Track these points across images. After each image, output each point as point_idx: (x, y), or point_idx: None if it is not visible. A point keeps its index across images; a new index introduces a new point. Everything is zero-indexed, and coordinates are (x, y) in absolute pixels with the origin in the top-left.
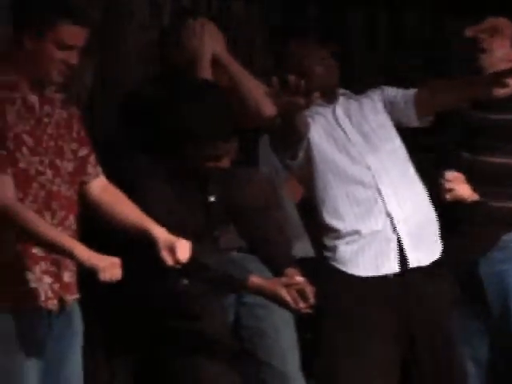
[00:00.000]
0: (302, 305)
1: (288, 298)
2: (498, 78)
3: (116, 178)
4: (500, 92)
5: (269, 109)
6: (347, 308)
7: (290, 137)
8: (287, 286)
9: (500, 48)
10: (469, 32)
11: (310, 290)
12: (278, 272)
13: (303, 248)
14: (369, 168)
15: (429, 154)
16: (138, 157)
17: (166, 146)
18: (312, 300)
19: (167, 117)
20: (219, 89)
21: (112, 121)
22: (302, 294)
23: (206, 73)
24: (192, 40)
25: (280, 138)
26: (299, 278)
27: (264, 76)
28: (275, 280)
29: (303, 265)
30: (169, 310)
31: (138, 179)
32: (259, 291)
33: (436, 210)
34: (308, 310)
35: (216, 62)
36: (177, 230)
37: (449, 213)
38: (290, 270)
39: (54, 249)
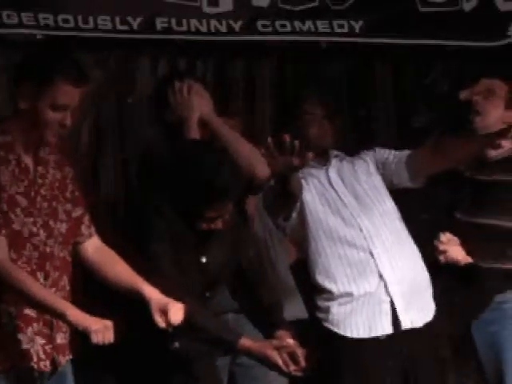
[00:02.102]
0: (292, 367)
1: (279, 361)
2: (492, 139)
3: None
4: (493, 154)
5: (262, 170)
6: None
7: (283, 198)
8: (278, 348)
9: (494, 110)
10: (463, 95)
11: (301, 353)
12: (269, 334)
13: (296, 309)
14: (361, 230)
15: (423, 216)
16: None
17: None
18: (303, 363)
19: (169, 177)
20: (215, 149)
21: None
22: (292, 357)
23: (194, 134)
24: (179, 102)
25: (273, 198)
26: (290, 341)
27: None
28: (266, 342)
29: (296, 327)
30: (162, 372)
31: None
32: (250, 353)
33: (430, 272)
34: (299, 373)
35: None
36: (170, 288)
37: (443, 275)
38: (281, 332)
39: (46, 310)
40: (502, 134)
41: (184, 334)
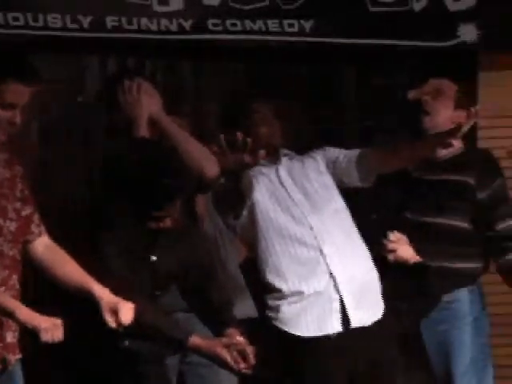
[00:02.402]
0: (242, 365)
1: (228, 359)
2: (441, 138)
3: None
4: (442, 153)
5: (211, 169)
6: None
7: (234, 196)
8: (228, 346)
9: (443, 110)
10: (412, 95)
11: (250, 351)
12: (218, 332)
13: (246, 308)
14: (311, 228)
15: (372, 215)
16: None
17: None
18: (252, 361)
19: (117, 176)
20: (161, 148)
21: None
22: (242, 355)
23: (143, 133)
24: (128, 101)
25: (224, 197)
26: (240, 339)
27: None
28: (216, 340)
29: (246, 325)
30: (112, 371)
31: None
32: (200, 351)
33: (379, 271)
34: (248, 371)
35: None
36: (120, 288)
37: (391, 274)
38: (231, 331)
39: None
40: (451, 133)
41: (134, 333)
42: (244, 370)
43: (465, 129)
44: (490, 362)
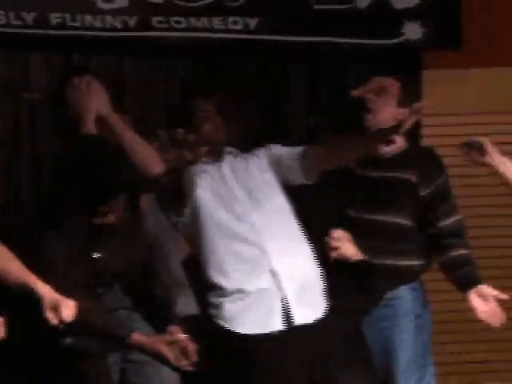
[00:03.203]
0: (184, 362)
1: (170, 355)
2: (383, 135)
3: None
4: (385, 150)
5: (156, 166)
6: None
7: (176, 194)
8: (170, 343)
9: (386, 107)
10: (355, 92)
11: (192, 348)
12: (161, 329)
13: (187, 305)
14: (254, 226)
15: (315, 212)
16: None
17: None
18: (194, 357)
19: (61, 172)
20: (107, 145)
21: None
22: (184, 352)
23: (91, 129)
24: (76, 97)
25: (166, 194)
26: (182, 336)
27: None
28: (158, 337)
29: (187, 322)
30: (53, 368)
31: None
32: (142, 348)
33: (322, 268)
34: (190, 368)
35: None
36: (63, 285)
37: (334, 271)
38: (173, 328)
39: None
40: (393, 130)
41: (76, 331)
42: (186, 367)
43: (406, 125)
44: (432, 360)
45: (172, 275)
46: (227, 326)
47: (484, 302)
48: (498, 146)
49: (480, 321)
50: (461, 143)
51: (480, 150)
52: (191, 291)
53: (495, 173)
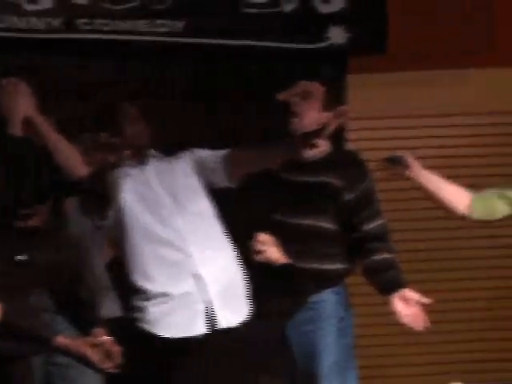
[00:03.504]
0: (108, 364)
1: (94, 358)
2: (307, 139)
3: None
4: (309, 154)
5: (80, 169)
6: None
7: (100, 196)
8: (93, 345)
9: (311, 111)
10: (281, 96)
11: (116, 350)
12: (85, 331)
13: (111, 308)
14: (178, 230)
15: (240, 216)
16: None
17: None
18: (118, 359)
19: None
20: (36, 147)
21: None
22: (108, 354)
23: (17, 131)
24: (3, 99)
25: (90, 198)
26: (106, 338)
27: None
28: (82, 340)
29: (111, 325)
30: None
31: None
32: (66, 351)
33: (247, 272)
34: (114, 370)
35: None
36: None
37: (259, 275)
38: (97, 330)
39: None
40: (316, 134)
41: (0, 332)
42: (110, 370)
43: (330, 129)
44: (354, 363)
45: (96, 278)
46: (151, 329)
47: (407, 306)
48: (422, 149)
49: (403, 324)
50: (383, 159)
51: (402, 164)
52: (115, 294)
53: (418, 187)
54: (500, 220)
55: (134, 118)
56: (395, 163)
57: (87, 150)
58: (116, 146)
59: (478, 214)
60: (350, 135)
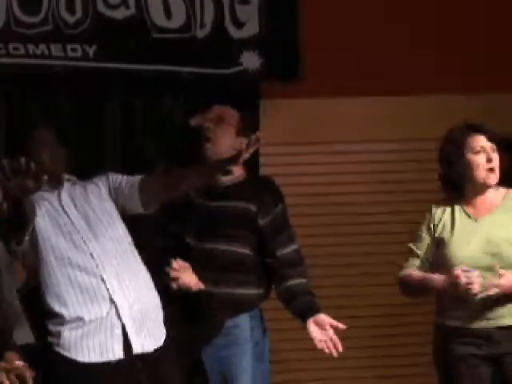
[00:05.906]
0: None
1: (7, 383)
2: (222, 165)
3: None
4: (223, 180)
5: None
6: None
7: (16, 221)
8: (7, 370)
9: (225, 136)
10: (194, 121)
11: (29, 375)
12: None
13: (22, 334)
14: (92, 255)
15: (156, 242)
16: None
17: None
18: None
19: None
20: None
21: None
22: (21, 379)
23: None
24: None
25: (6, 222)
26: (19, 363)
27: None
28: None
29: (25, 350)
30: None
31: None
32: None
33: (162, 298)
34: None
35: None
36: None
37: (175, 301)
38: (10, 354)
39: None
40: (231, 160)
41: None
42: None
43: (245, 156)
44: None
45: (7, 303)
46: (66, 353)
47: (322, 331)
48: (336, 175)
49: (318, 349)
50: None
51: None
52: (25, 320)
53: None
54: None
55: (49, 143)
56: None
57: (6, 175)
58: (35, 172)
59: None
60: (264, 160)
